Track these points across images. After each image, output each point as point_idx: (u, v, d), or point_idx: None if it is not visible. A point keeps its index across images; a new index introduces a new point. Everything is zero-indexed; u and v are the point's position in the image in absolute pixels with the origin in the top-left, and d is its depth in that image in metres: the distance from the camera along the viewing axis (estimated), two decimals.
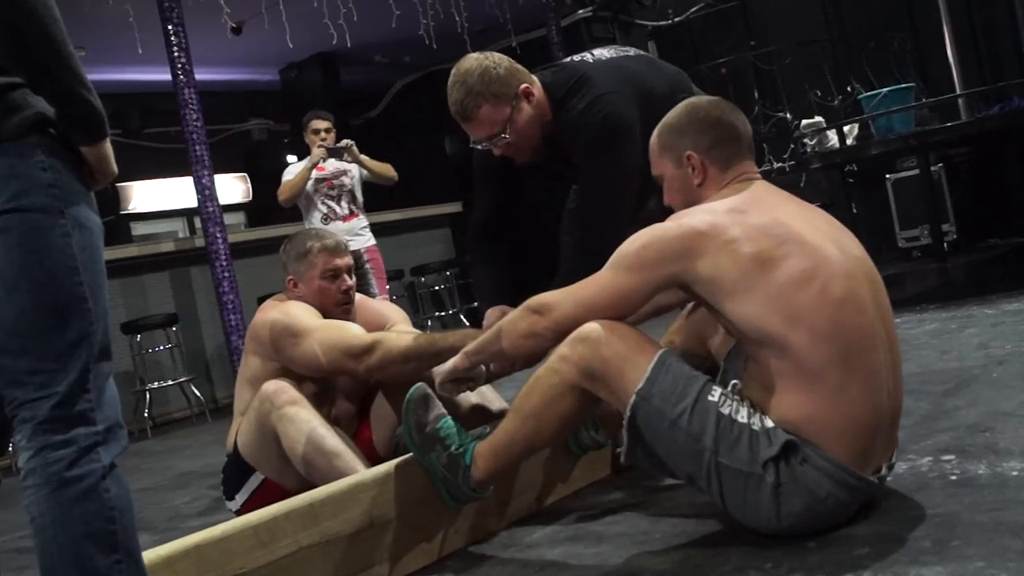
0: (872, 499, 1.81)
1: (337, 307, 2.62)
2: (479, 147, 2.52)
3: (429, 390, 2.06)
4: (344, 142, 5.23)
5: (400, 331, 2.67)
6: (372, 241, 5.39)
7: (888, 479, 1.86)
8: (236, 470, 2.52)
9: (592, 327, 1.83)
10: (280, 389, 2.38)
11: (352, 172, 5.34)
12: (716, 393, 1.75)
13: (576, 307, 1.87)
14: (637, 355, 1.80)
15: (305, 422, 2.34)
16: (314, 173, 5.23)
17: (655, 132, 2.00)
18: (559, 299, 1.90)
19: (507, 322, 1.98)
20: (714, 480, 1.73)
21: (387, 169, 5.42)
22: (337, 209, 5.28)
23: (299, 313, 2.51)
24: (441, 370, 2.14)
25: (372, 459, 2.49)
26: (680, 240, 1.76)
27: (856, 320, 1.72)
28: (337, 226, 5.19)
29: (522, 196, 2.72)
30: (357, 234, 5.29)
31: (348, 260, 2.66)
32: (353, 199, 5.34)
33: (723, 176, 1.90)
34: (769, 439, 1.68)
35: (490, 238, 2.74)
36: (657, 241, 1.79)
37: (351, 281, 2.65)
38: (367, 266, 5.27)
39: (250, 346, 2.57)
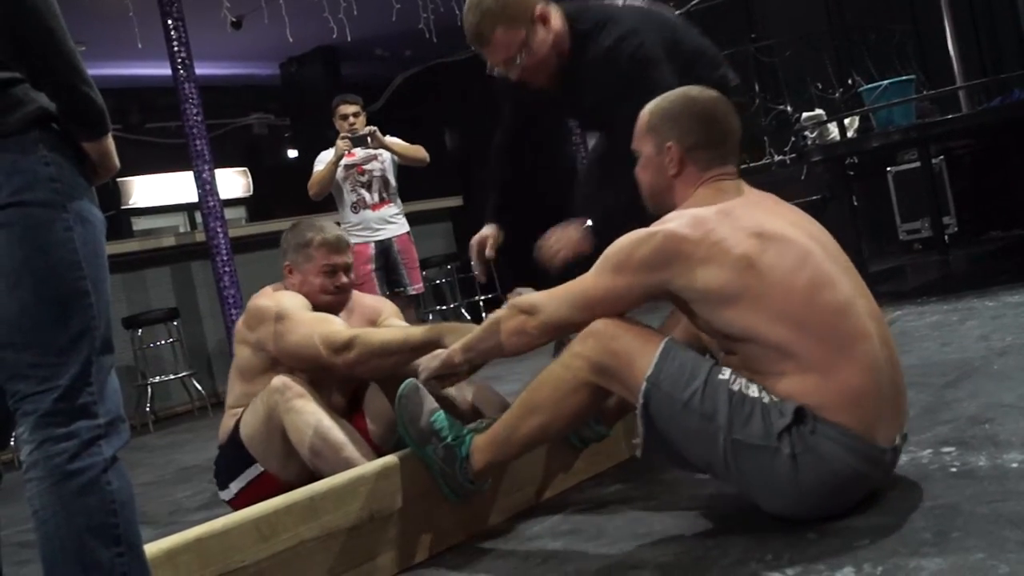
0: (890, 473, 1.82)
1: (328, 297, 2.62)
2: (495, 74, 2.54)
3: (421, 384, 2.08)
4: (366, 129, 5.06)
5: (389, 325, 2.70)
6: (405, 229, 5.23)
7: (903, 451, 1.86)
8: (233, 460, 2.52)
9: (600, 323, 1.86)
10: (288, 383, 2.40)
11: (383, 157, 5.18)
12: (726, 372, 1.77)
13: (563, 308, 1.92)
14: (644, 345, 1.82)
15: (312, 414, 2.36)
16: (344, 160, 5.08)
17: (647, 107, 2.01)
18: (547, 300, 1.95)
19: (495, 321, 2.01)
20: (731, 461, 1.74)
21: (417, 151, 5.22)
22: (367, 197, 5.13)
23: (286, 304, 2.51)
24: (426, 366, 2.16)
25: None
26: (666, 243, 1.79)
27: (833, 300, 1.74)
28: (366, 215, 5.09)
29: (544, 124, 2.77)
30: (388, 222, 5.16)
31: (347, 258, 2.66)
32: (385, 186, 5.18)
33: (700, 175, 1.92)
34: (780, 411, 1.70)
35: (509, 159, 2.81)
36: (643, 246, 1.81)
37: (347, 279, 2.65)
38: (398, 256, 5.15)
39: (239, 335, 2.59)
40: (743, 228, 1.77)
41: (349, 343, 2.36)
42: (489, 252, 2.71)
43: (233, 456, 2.53)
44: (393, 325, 2.72)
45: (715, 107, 1.95)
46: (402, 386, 2.08)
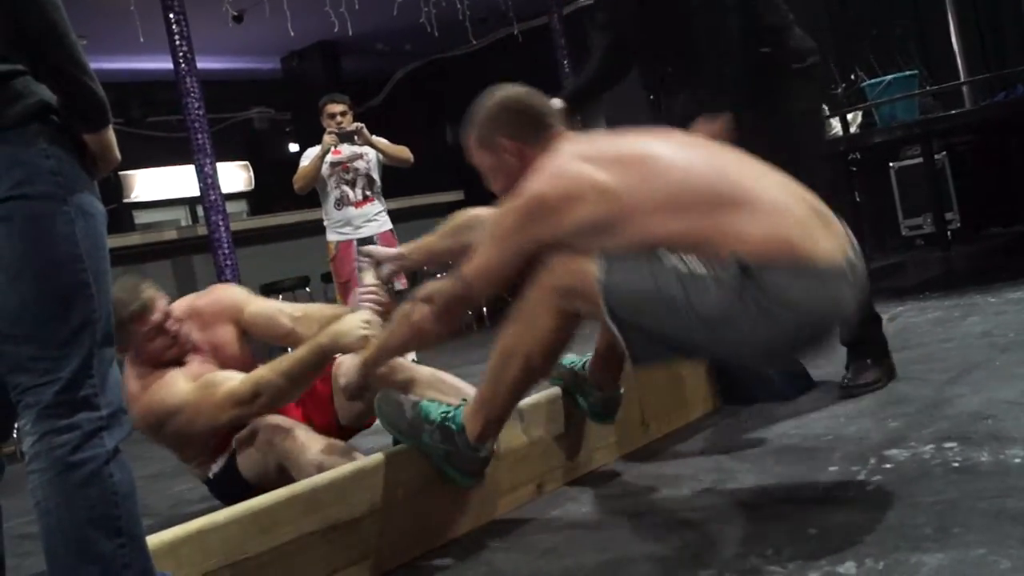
0: (863, 285, 1.81)
1: (172, 351, 2.55)
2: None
3: (391, 391, 2.13)
4: (354, 126, 5.15)
5: (260, 311, 2.70)
6: (388, 227, 5.30)
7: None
8: (236, 488, 2.51)
9: (553, 257, 1.90)
10: (276, 425, 2.43)
11: (368, 155, 5.25)
12: (668, 257, 1.76)
13: (457, 285, 2.01)
14: (591, 258, 1.84)
15: (306, 448, 2.37)
16: (330, 157, 5.16)
17: (469, 128, 2.12)
18: (443, 285, 2.05)
19: (403, 316, 2.10)
20: (709, 335, 1.74)
21: (402, 151, 5.31)
22: (350, 194, 5.21)
23: (173, 396, 2.45)
24: (348, 382, 2.29)
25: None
26: (530, 204, 1.90)
27: (702, 176, 1.82)
28: (349, 212, 5.17)
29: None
30: (371, 220, 5.23)
31: (160, 311, 2.51)
32: (369, 183, 5.25)
33: (538, 149, 2.02)
34: (726, 271, 1.71)
35: (604, 66, 3.02)
36: (511, 214, 1.94)
37: (176, 324, 2.55)
38: None
39: (146, 434, 2.51)
40: (596, 160, 1.87)
41: (255, 392, 2.36)
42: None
43: (233, 485, 2.53)
44: (263, 310, 2.71)
45: (518, 93, 2.09)
46: (376, 400, 2.13)
